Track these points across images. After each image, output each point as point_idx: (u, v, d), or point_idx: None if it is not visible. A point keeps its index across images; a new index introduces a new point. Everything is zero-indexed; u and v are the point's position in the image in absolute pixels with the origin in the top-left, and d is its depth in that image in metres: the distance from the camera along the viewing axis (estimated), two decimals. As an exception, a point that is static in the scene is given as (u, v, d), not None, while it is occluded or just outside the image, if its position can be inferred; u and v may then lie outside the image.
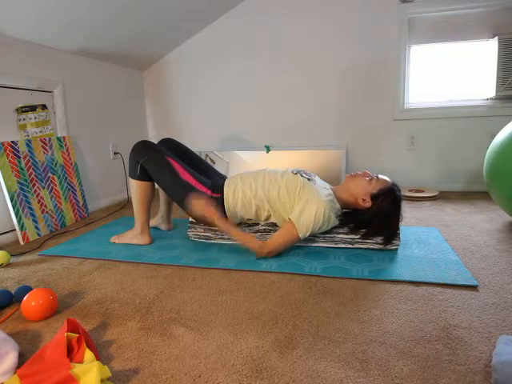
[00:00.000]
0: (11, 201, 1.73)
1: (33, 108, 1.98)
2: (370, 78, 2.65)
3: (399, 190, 1.47)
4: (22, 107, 1.91)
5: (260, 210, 1.52)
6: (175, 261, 1.44)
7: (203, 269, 1.37)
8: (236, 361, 0.84)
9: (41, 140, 1.98)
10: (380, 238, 1.48)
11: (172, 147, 1.70)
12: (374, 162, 2.75)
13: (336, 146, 2.74)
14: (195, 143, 3.03)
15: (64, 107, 2.19)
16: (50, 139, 2.04)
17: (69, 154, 2.16)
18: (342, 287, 1.18)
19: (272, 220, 1.55)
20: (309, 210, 1.38)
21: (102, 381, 0.72)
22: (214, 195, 1.52)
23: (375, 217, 1.45)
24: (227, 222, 1.46)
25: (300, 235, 1.39)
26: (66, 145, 2.15)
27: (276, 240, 1.41)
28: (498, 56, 2.37)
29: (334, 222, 1.47)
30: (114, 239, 1.70)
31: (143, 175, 1.57)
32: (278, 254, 1.44)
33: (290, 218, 1.41)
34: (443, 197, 2.47)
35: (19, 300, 1.12)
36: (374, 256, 1.43)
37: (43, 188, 1.94)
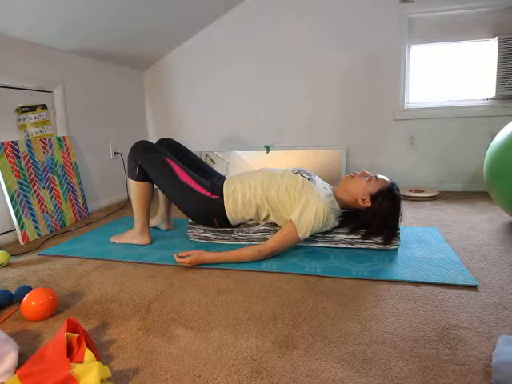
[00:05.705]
0: (11, 201, 1.73)
1: (33, 108, 1.98)
2: (370, 78, 2.65)
3: (398, 190, 1.47)
4: (21, 107, 1.91)
5: (260, 210, 1.52)
6: (175, 261, 1.44)
7: (203, 269, 1.37)
8: (236, 361, 0.84)
9: (41, 140, 1.98)
10: (380, 237, 1.48)
11: (170, 147, 1.70)
12: (373, 161, 2.75)
13: (336, 146, 2.74)
14: (195, 143, 3.03)
15: (64, 107, 2.19)
16: (50, 139, 2.04)
17: (69, 154, 2.16)
18: (342, 287, 1.18)
19: (271, 219, 1.55)
20: (309, 210, 1.38)
21: (101, 381, 0.72)
22: (213, 197, 1.52)
23: (375, 217, 1.44)
24: (209, 253, 1.41)
25: (300, 235, 1.39)
26: (66, 145, 2.15)
27: (276, 239, 1.41)
28: (498, 56, 2.37)
29: (334, 223, 1.46)
30: (114, 239, 1.70)
31: (142, 176, 1.57)
32: (277, 253, 1.43)
33: (290, 219, 1.41)
34: (443, 197, 2.47)
35: (19, 300, 1.12)
36: (373, 256, 1.43)
37: (43, 188, 1.94)
